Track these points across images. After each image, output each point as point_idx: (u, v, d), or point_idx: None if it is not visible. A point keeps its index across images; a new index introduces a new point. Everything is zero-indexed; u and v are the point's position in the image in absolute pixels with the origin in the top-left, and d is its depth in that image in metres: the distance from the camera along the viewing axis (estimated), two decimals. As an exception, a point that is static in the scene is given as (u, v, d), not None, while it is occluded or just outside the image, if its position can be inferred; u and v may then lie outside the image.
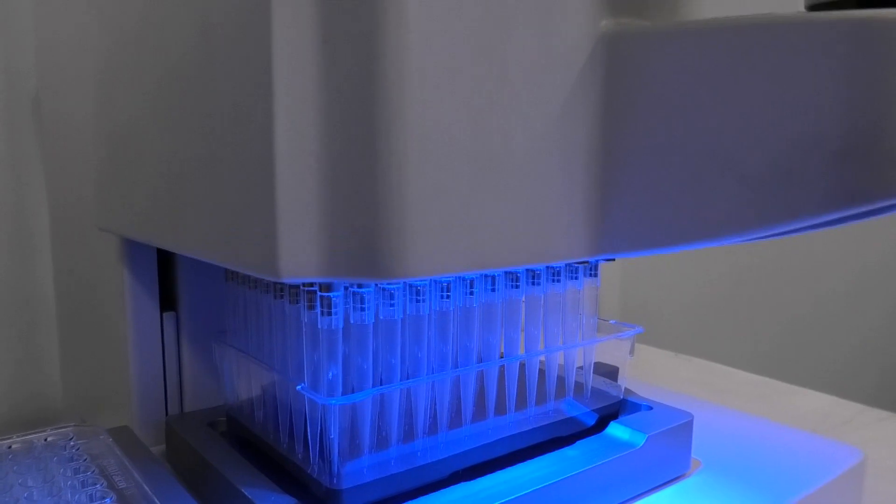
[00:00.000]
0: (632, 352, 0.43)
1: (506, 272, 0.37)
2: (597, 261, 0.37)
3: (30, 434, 0.38)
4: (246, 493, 0.32)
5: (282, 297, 0.35)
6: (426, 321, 0.34)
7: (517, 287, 0.37)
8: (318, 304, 0.31)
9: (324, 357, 0.31)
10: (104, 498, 0.32)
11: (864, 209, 0.23)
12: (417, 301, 0.33)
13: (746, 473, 0.41)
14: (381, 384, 0.33)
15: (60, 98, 0.47)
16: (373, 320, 0.32)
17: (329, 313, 0.31)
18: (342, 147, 0.25)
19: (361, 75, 0.24)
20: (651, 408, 0.43)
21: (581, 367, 0.43)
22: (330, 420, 0.31)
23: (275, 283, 0.35)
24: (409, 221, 0.24)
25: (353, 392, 0.32)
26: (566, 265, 0.39)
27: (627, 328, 0.42)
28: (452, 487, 0.34)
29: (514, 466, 0.36)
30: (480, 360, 0.37)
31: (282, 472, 0.35)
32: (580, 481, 0.35)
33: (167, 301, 0.44)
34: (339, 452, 0.32)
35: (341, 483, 0.32)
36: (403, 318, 0.33)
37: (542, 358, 0.40)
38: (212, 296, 0.45)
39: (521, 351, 0.38)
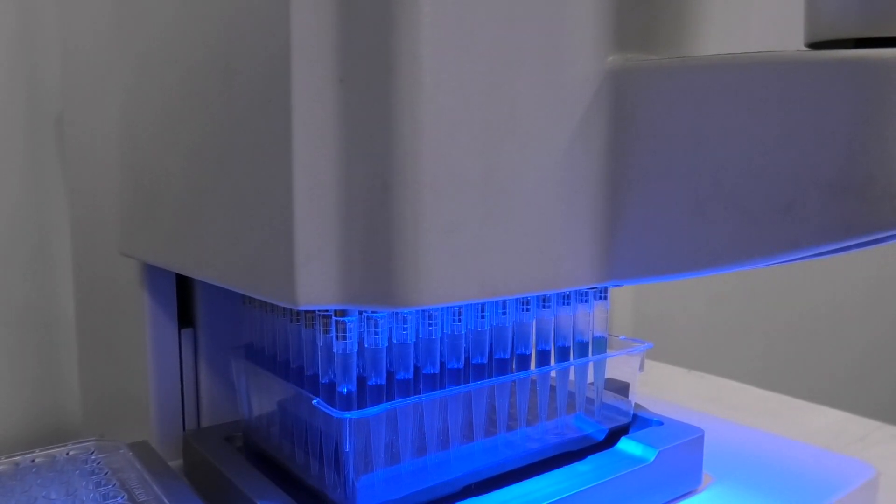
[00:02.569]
0: (642, 367, 0.43)
1: (517, 298, 0.37)
2: (605, 286, 0.38)
3: (52, 448, 0.39)
4: (263, 507, 0.33)
5: (298, 321, 0.36)
6: (438, 344, 0.35)
7: (528, 311, 0.38)
8: (333, 328, 0.32)
9: (339, 378, 0.32)
10: (125, 511, 0.32)
11: (860, 241, 0.23)
12: (430, 325, 0.34)
13: (758, 489, 0.41)
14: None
15: (84, 121, 0.49)
16: (386, 344, 0.33)
17: (344, 338, 0.32)
18: (359, 181, 0.26)
19: (377, 113, 0.25)
20: (662, 423, 0.43)
21: (592, 383, 0.43)
22: (345, 435, 0.32)
23: (292, 309, 0.36)
24: (422, 253, 0.25)
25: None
26: (576, 290, 0.40)
27: (637, 343, 0.42)
28: (465, 502, 0.34)
29: (526, 481, 0.36)
30: (492, 395, 0.38)
31: (298, 487, 0.36)
32: (591, 496, 0.36)
33: (185, 318, 0.45)
34: (353, 468, 0.32)
35: (356, 499, 0.32)
36: (416, 341, 0.34)
37: (553, 373, 0.40)
38: (229, 313, 0.46)
39: (534, 396, 0.39)
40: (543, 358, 0.40)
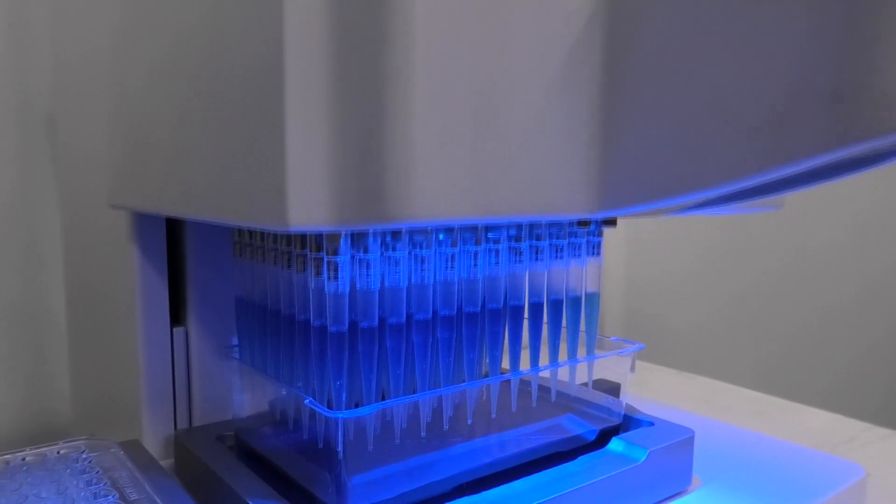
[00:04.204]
0: (633, 368, 0.43)
1: (510, 247, 0.38)
2: (600, 217, 0.38)
3: (43, 447, 0.39)
4: (254, 506, 0.33)
5: (289, 266, 0.35)
6: (431, 290, 0.35)
7: (520, 262, 0.38)
8: (325, 269, 0.32)
9: (330, 321, 0.32)
10: (116, 509, 0.32)
11: (857, 149, 0.23)
12: (422, 271, 0.34)
13: (747, 489, 0.41)
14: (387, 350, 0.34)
15: (76, 118, 0.49)
16: (378, 286, 0.33)
17: (335, 278, 0.32)
18: (350, 95, 0.26)
19: (370, 27, 0.25)
20: (652, 424, 0.43)
21: (583, 384, 0.43)
22: (336, 434, 0.32)
23: (283, 253, 0.36)
24: (415, 166, 0.25)
25: (359, 355, 0.33)
26: (569, 242, 0.40)
27: (628, 345, 0.43)
28: (456, 501, 0.35)
29: (517, 481, 0.37)
30: (485, 332, 0.38)
31: (290, 486, 0.36)
32: (581, 496, 0.36)
33: (177, 316, 0.45)
34: (345, 467, 0.32)
35: (347, 499, 0.32)
36: (409, 286, 0.34)
37: (544, 374, 0.41)
38: (221, 312, 0.46)
39: (525, 330, 0.39)
40: (536, 311, 0.40)
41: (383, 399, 0.34)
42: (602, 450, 0.40)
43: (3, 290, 0.55)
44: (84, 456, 0.39)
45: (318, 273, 0.32)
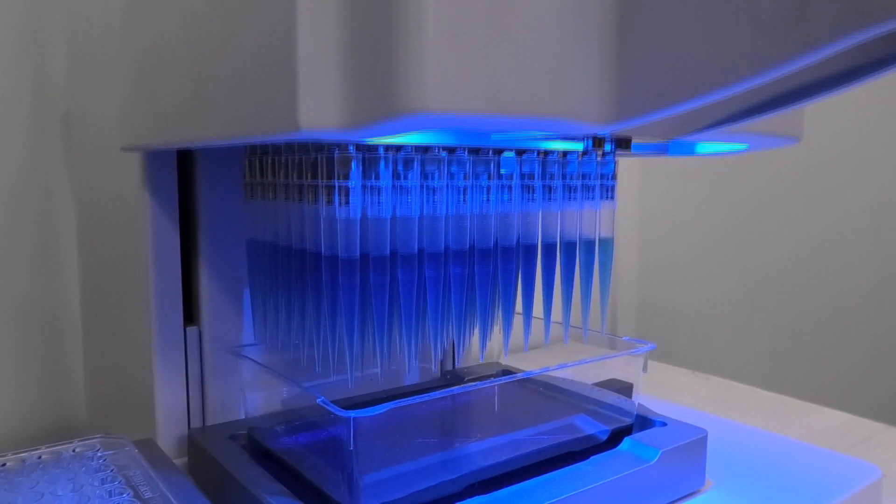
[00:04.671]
0: (645, 368, 0.43)
1: (522, 184, 0.37)
2: (617, 128, 0.37)
3: (58, 445, 0.39)
4: (267, 505, 0.33)
5: (300, 199, 0.35)
6: (443, 223, 0.35)
7: (533, 200, 0.38)
8: (336, 195, 0.32)
9: (342, 249, 0.32)
10: (130, 507, 0.33)
11: (873, 32, 0.22)
12: (434, 201, 0.34)
13: (761, 490, 0.41)
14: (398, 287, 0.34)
15: (91, 115, 0.49)
16: (389, 215, 0.33)
17: (346, 203, 0.32)
18: None
19: None
20: (665, 424, 0.43)
21: (595, 384, 0.43)
22: (349, 433, 0.32)
23: (294, 187, 0.36)
24: (427, 56, 0.25)
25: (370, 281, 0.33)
26: (582, 184, 0.40)
27: (640, 344, 0.42)
28: (468, 501, 0.35)
29: (529, 481, 0.37)
30: (498, 270, 0.37)
31: (303, 485, 0.36)
32: (593, 496, 0.36)
33: (190, 315, 0.45)
34: (357, 466, 0.32)
35: (359, 498, 0.33)
36: (420, 217, 0.34)
37: (556, 374, 0.41)
38: (233, 311, 0.46)
39: (538, 272, 0.39)
40: (549, 253, 0.40)
41: (395, 340, 0.34)
42: (614, 450, 0.40)
43: (19, 290, 0.55)
44: (99, 454, 0.39)
45: (330, 201, 0.32)
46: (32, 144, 0.56)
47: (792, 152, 0.87)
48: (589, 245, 0.41)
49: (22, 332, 0.56)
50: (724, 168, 1.01)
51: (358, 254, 0.33)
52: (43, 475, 0.36)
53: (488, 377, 0.52)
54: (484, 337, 0.38)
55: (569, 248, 0.40)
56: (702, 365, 0.80)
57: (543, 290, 0.40)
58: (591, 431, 0.41)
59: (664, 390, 0.70)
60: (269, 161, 0.38)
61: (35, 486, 0.35)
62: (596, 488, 0.36)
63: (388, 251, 0.33)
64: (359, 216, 0.33)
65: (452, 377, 0.52)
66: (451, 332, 0.37)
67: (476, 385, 0.36)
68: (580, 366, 0.42)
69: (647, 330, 1.00)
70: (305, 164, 0.35)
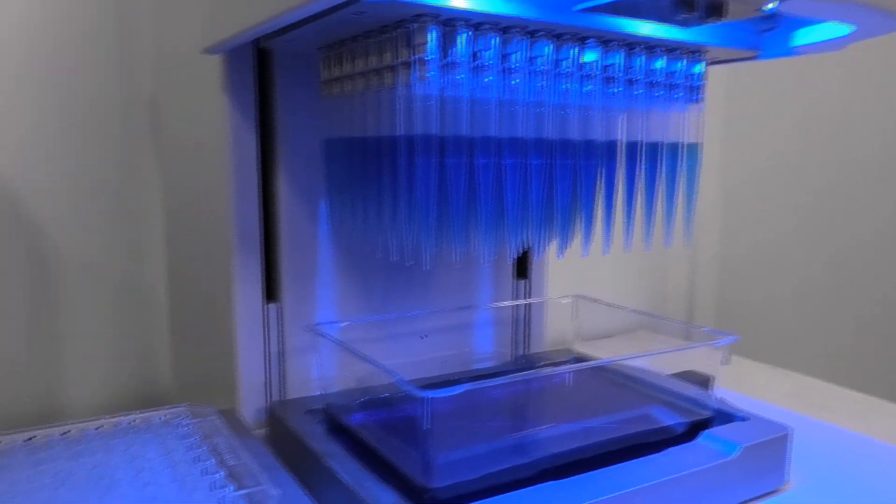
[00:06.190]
0: (726, 361, 0.42)
1: (605, 76, 0.36)
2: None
3: (149, 412, 0.42)
4: (345, 481, 0.34)
5: (378, 84, 0.35)
6: (521, 109, 0.34)
7: (615, 94, 0.37)
8: (414, 71, 0.32)
9: (418, 127, 0.32)
10: (215, 473, 0.34)
11: None
12: (512, 86, 0.34)
13: (846, 493, 0.39)
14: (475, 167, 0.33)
15: (179, 103, 0.51)
16: (467, 95, 0.33)
17: (424, 78, 0.32)
18: None
19: None
20: (746, 419, 0.42)
21: (671, 375, 0.42)
22: (425, 413, 0.32)
23: (372, 72, 0.36)
24: None
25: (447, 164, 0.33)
26: (668, 83, 0.38)
27: (721, 335, 0.41)
28: (540, 486, 0.34)
29: (602, 469, 0.36)
30: (579, 166, 0.37)
31: (377, 460, 0.37)
32: (669, 488, 0.35)
33: (271, 293, 0.47)
34: (432, 446, 0.33)
35: (433, 476, 0.33)
36: (498, 101, 0.34)
37: (632, 363, 0.40)
38: (312, 289, 0.47)
39: (619, 191, 0.38)
40: (632, 154, 0.38)
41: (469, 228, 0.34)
42: (691, 443, 0.39)
43: (111, 271, 0.58)
44: (185, 422, 0.41)
45: (407, 80, 0.32)
46: (122, 131, 0.58)
47: (882, 136, 0.82)
48: (674, 150, 0.39)
49: (114, 310, 0.59)
50: (809, 154, 0.97)
51: (435, 133, 0.32)
52: (136, 438, 0.38)
53: (561, 364, 0.52)
54: (564, 237, 0.37)
55: (653, 150, 0.38)
56: (784, 361, 0.77)
57: (625, 194, 0.38)
58: (668, 423, 0.41)
59: (744, 385, 0.68)
60: (347, 51, 0.38)
61: (128, 449, 0.37)
62: (671, 481, 0.35)
63: (465, 131, 0.32)
64: (436, 93, 0.32)
65: (525, 362, 0.52)
66: (529, 230, 0.36)
67: (550, 371, 0.36)
68: (656, 356, 0.41)
69: (726, 324, 0.97)
70: (383, 45, 0.34)
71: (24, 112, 0.53)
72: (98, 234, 0.57)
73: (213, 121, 0.44)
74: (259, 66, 0.44)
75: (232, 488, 0.32)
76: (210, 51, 0.42)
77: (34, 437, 0.38)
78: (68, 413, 0.56)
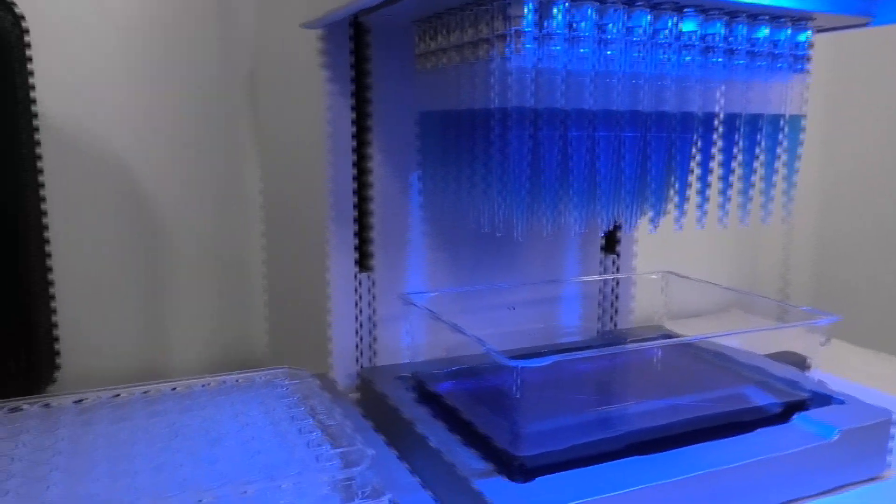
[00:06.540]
0: (825, 342, 0.40)
1: (703, 46, 0.35)
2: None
3: (249, 372, 0.44)
4: (434, 445, 0.35)
5: (476, 57, 0.35)
6: (616, 80, 0.34)
7: (714, 65, 0.36)
8: (510, 43, 0.32)
9: (513, 98, 0.32)
10: (313, 432, 0.36)
11: None
12: (608, 57, 0.33)
13: (954, 483, 0.37)
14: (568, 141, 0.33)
15: (276, 72, 0.53)
16: (562, 67, 0.33)
17: (519, 50, 0.32)
18: None
19: None
20: (846, 402, 0.40)
21: (766, 355, 0.41)
22: (514, 382, 0.33)
23: (467, 44, 0.36)
24: None
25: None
26: (770, 52, 0.37)
27: (822, 315, 0.40)
28: (627, 460, 0.35)
29: (691, 446, 0.36)
30: (674, 139, 0.36)
31: (465, 427, 0.38)
32: (761, 469, 0.35)
33: (363, 262, 0.48)
34: (520, 415, 0.33)
35: (520, 445, 0.34)
36: (594, 73, 0.33)
37: (724, 341, 0.39)
38: (402, 260, 0.48)
39: (716, 165, 0.37)
40: (730, 126, 0.37)
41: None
42: (786, 424, 0.38)
43: (212, 240, 0.61)
44: (283, 383, 0.43)
45: (503, 52, 0.32)
46: (222, 99, 0.61)
47: None
48: (775, 122, 0.38)
49: (217, 279, 0.62)
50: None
51: (529, 105, 0.32)
52: (239, 396, 0.41)
53: (650, 340, 0.51)
54: (657, 210, 0.36)
55: (752, 122, 0.37)
56: (886, 345, 0.73)
57: (722, 167, 0.37)
58: (761, 403, 0.40)
59: (843, 369, 0.65)
60: (442, 24, 0.38)
61: (233, 406, 0.39)
62: (764, 461, 0.34)
63: (559, 104, 0.32)
64: (531, 65, 0.32)
65: (612, 338, 0.52)
66: (621, 203, 0.36)
67: (640, 345, 0.36)
68: (750, 334, 0.40)
69: (822, 306, 0.93)
70: (479, 17, 0.34)
71: (141, 96, 0.56)
72: (201, 207, 0.60)
73: (311, 95, 0.46)
74: (355, 40, 0.45)
75: (329, 447, 0.34)
76: (309, 26, 0.43)
77: (149, 390, 0.41)
78: (173, 373, 0.60)
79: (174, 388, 0.41)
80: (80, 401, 0.40)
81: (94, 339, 0.56)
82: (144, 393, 0.41)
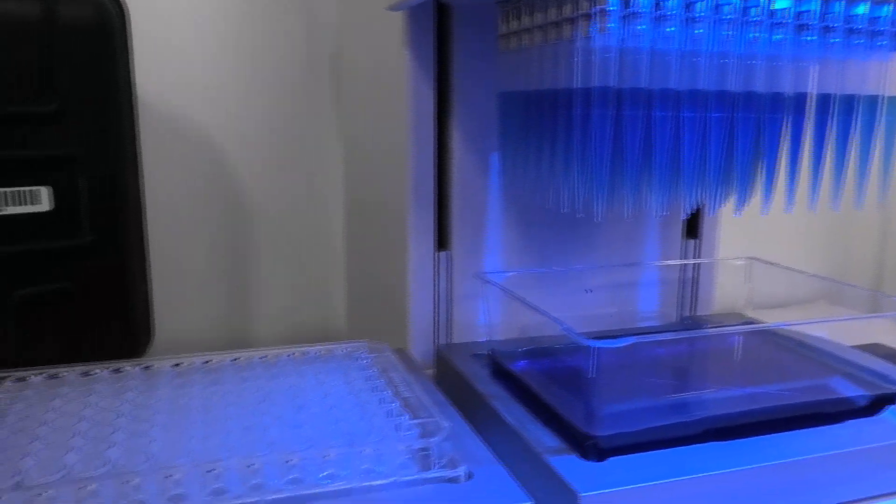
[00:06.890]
0: (921, 334, 0.39)
1: (796, 24, 0.34)
2: None
3: (331, 344, 0.46)
4: (509, 422, 0.36)
5: (559, 36, 0.35)
6: (703, 60, 0.33)
7: (808, 43, 0.34)
8: (594, 22, 0.31)
9: (597, 78, 0.32)
10: (392, 403, 0.37)
11: None
12: (695, 36, 0.33)
13: None
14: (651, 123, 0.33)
15: (359, 55, 0.54)
16: (648, 47, 0.32)
17: (604, 29, 0.31)
18: None
19: None
20: (940, 398, 0.39)
21: (854, 346, 0.40)
22: (591, 362, 0.33)
23: (550, 24, 0.36)
24: None
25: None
26: (869, 29, 0.35)
27: (919, 307, 0.38)
28: (704, 445, 0.34)
29: (772, 435, 0.35)
30: (763, 120, 0.35)
31: (539, 406, 0.38)
32: (845, 461, 0.34)
33: (442, 241, 0.49)
34: (597, 395, 0.34)
35: (594, 425, 0.34)
36: (680, 52, 0.33)
37: (811, 331, 0.38)
38: (481, 239, 0.49)
39: (807, 147, 0.35)
40: (823, 108, 0.36)
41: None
42: (874, 417, 0.37)
43: (292, 219, 0.64)
44: (363, 355, 0.44)
45: (587, 32, 0.32)
46: (305, 82, 0.63)
47: None
48: (872, 103, 0.36)
49: (298, 254, 0.64)
50: None
51: (612, 85, 0.32)
52: (322, 367, 0.42)
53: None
54: (743, 194, 0.35)
55: (847, 102, 0.36)
56: None
57: (813, 149, 0.36)
58: (848, 394, 0.38)
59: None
60: (525, 4, 0.38)
61: (316, 375, 0.41)
62: (850, 454, 0.34)
63: (643, 84, 0.32)
64: (616, 44, 0.32)
65: (692, 324, 0.51)
66: (705, 186, 0.35)
67: (720, 330, 0.35)
68: (838, 322, 0.39)
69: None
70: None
71: (233, 79, 0.59)
72: (286, 187, 0.63)
73: (394, 76, 0.47)
74: (438, 22, 0.46)
75: (407, 417, 0.35)
76: (393, 7, 0.44)
77: (238, 357, 0.43)
78: (257, 343, 0.63)
79: (262, 357, 0.44)
80: (177, 364, 0.42)
81: (184, 312, 0.60)
82: (235, 360, 0.43)
